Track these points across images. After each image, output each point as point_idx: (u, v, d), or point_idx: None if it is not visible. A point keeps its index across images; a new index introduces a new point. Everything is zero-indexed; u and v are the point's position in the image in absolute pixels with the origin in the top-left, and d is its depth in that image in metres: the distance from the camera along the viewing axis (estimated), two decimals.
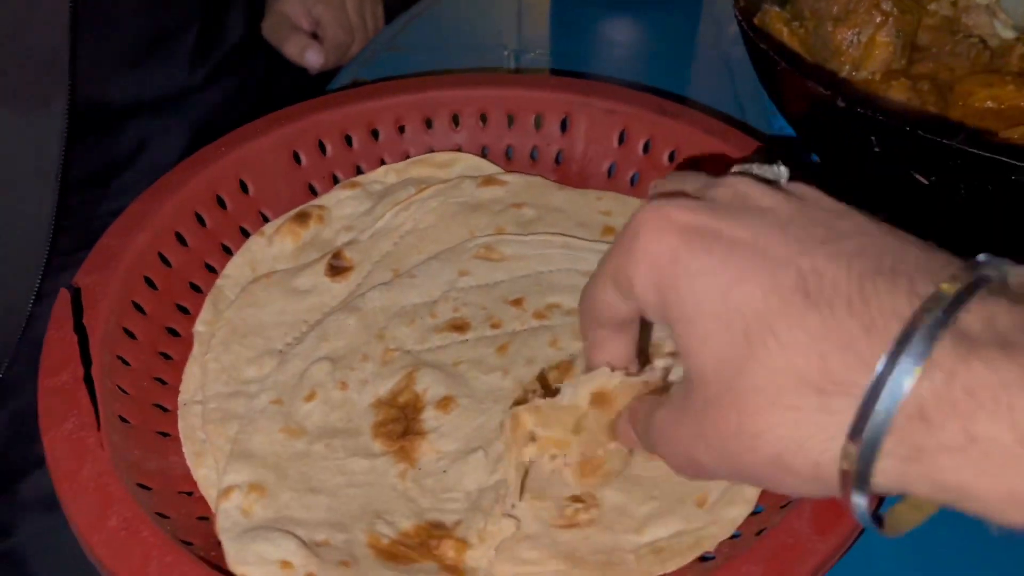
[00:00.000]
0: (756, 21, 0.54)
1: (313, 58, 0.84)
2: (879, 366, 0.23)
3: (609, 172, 0.53)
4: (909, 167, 0.38)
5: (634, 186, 0.53)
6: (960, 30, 0.57)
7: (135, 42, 0.68)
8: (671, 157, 0.51)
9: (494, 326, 0.44)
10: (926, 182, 0.38)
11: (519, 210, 0.51)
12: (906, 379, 0.22)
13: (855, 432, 0.23)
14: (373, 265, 0.48)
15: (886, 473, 0.24)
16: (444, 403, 0.40)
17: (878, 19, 0.54)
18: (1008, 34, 0.59)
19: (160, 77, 0.72)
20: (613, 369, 0.33)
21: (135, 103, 0.69)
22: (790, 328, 0.24)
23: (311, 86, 0.72)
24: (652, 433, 0.31)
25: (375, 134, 0.54)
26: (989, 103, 0.51)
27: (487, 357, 0.43)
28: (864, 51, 0.55)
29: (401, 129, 0.54)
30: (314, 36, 0.86)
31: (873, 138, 0.39)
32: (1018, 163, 0.33)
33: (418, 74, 0.58)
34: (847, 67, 0.56)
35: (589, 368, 0.34)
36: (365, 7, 0.89)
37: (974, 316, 0.23)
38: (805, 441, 0.25)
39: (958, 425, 0.22)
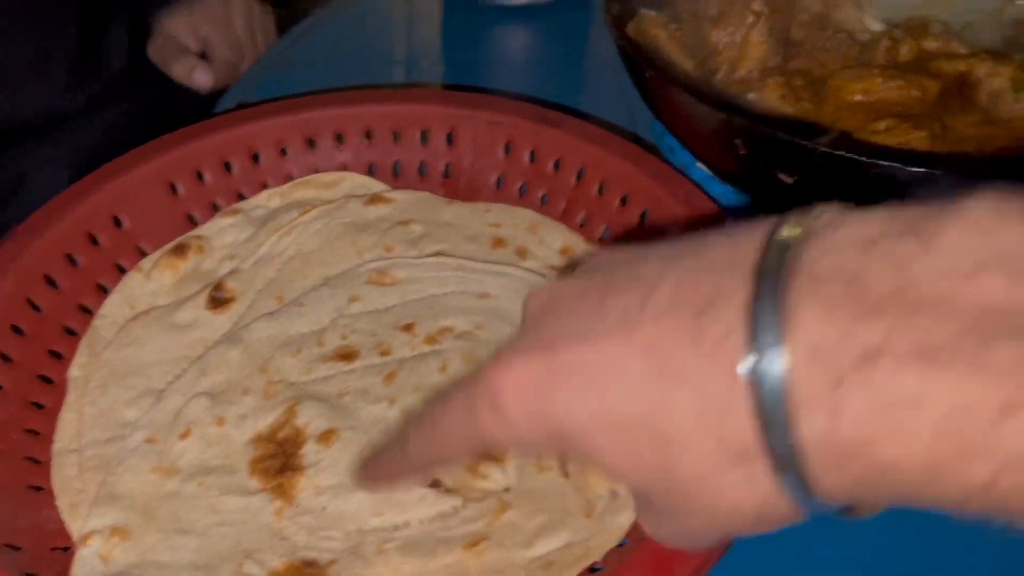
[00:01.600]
0: (632, 27, 0.54)
1: (201, 78, 0.82)
2: (747, 391, 0.23)
3: (498, 183, 0.53)
4: (775, 168, 0.39)
5: (523, 196, 0.53)
6: (830, 26, 0.58)
7: (4, 63, 0.65)
8: (556, 166, 0.52)
9: (383, 353, 0.44)
10: (790, 182, 0.39)
11: (407, 227, 0.51)
12: (774, 380, 0.22)
13: (772, 460, 0.23)
14: (256, 294, 0.47)
15: (820, 477, 0.23)
16: (326, 436, 0.39)
17: (750, 19, 0.56)
18: (877, 27, 0.60)
19: (36, 100, 0.69)
20: None
21: (10, 127, 0.66)
22: (681, 412, 0.24)
23: (204, 109, 0.71)
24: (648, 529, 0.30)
25: (256, 158, 0.52)
26: (859, 96, 0.53)
27: (374, 386, 0.42)
28: (740, 50, 0.57)
29: (283, 151, 0.53)
30: (203, 56, 0.84)
31: (738, 141, 0.40)
32: (871, 160, 0.34)
33: (307, 92, 0.57)
34: (725, 67, 0.57)
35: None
36: (254, 23, 0.87)
37: (799, 285, 0.22)
38: (744, 498, 0.24)
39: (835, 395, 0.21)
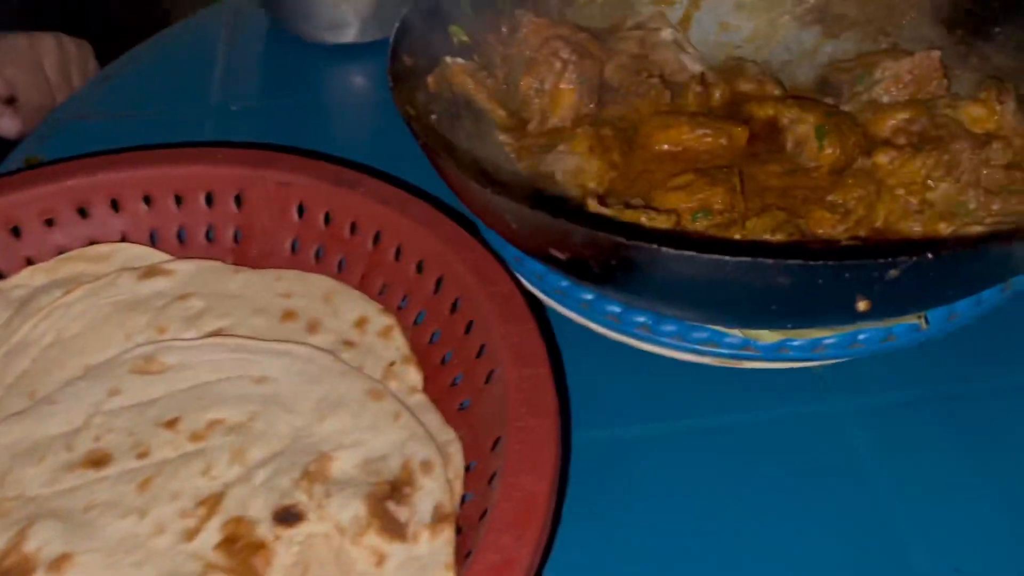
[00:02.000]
0: (435, 77, 0.51)
1: (7, 125, 0.76)
2: None
3: (292, 248, 0.50)
4: (545, 245, 0.37)
5: (319, 261, 0.49)
6: (645, 69, 0.57)
7: None
8: (352, 228, 0.48)
9: (141, 456, 0.39)
10: (563, 258, 0.37)
11: (185, 303, 0.46)
12: None
13: None
14: (5, 390, 0.42)
15: None
16: (59, 563, 0.35)
17: (557, 66, 0.53)
18: (697, 68, 0.59)
19: None
20: None
21: None
22: None
23: None
24: None
25: (16, 231, 0.47)
26: (666, 146, 0.52)
27: (125, 497, 0.38)
28: (550, 99, 0.54)
29: (49, 222, 0.48)
30: (11, 100, 0.78)
31: (506, 217, 0.37)
32: (623, 240, 0.32)
33: (105, 148, 0.52)
34: (537, 116, 0.55)
35: None
36: (70, 64, 0.81)
37: None
38: None
39: None
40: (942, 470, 0.43)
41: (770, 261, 0.30)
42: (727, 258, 0.31)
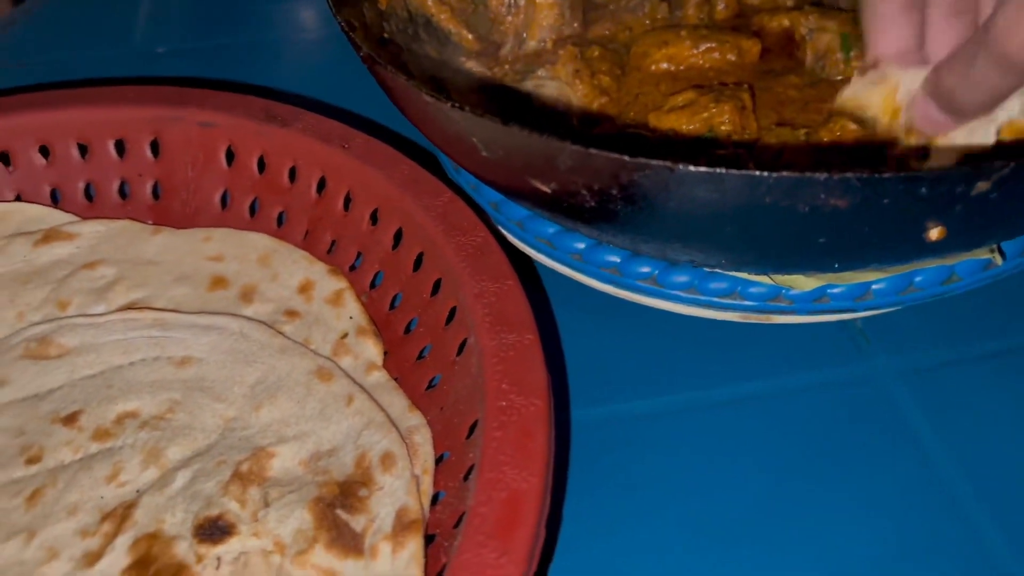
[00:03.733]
0: None
1: None
2: None
3: (223, 202, 0.41)
4: (526, 175, 0.29)
5: (255, 216, 0.41)
6: None
7: None
8: (292, 175, 0.40)
9: (31, 461, 0.32)
10: (548, 191, 0.29)
11: (93, 271, 0.38)
12: None
13: None
14: None
15: None
16: None
17: None
18: None
19: None
20: None
21: None
22: None
23: None
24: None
25: None
26: (665, 65, 0.43)
27: (10, 514, 0.30)
28: (526, 17, 0.46)
29: None
30: None
31: (473, 139, 0.29)
32: (627, 158, 0.24)
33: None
34: (511, 38, 0.47)
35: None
36: None
37: None
38: None
39: None
40: (1007, 436, 0.36)
41: (823, 176, 0.23)
42: (767, 175, 0.23)
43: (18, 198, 0.41)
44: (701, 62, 0.43)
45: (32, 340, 0.35)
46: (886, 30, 0.32)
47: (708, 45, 0.43)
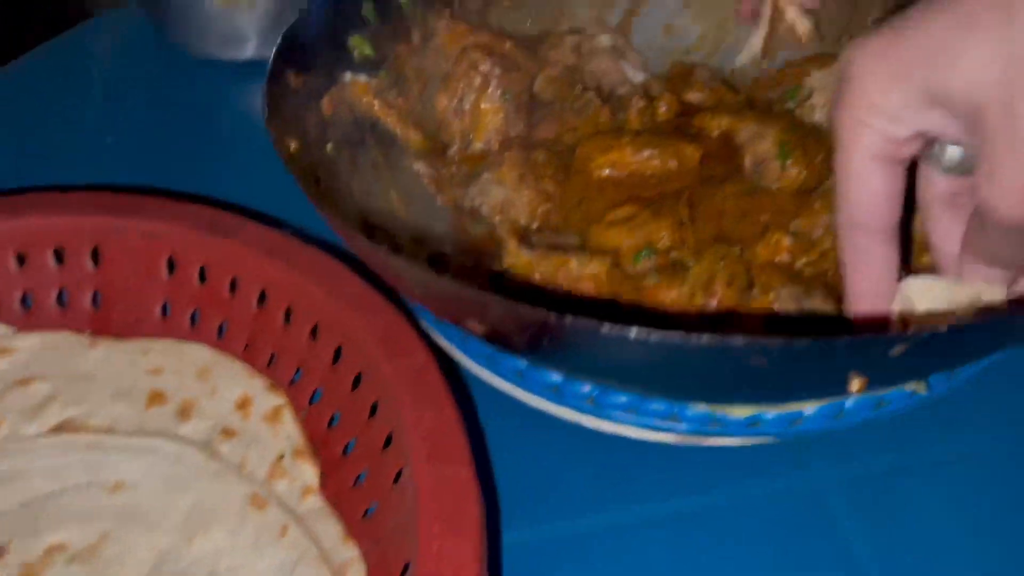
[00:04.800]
0: (331, 98, 0.43)
1: None
2: None
3: (163, 312, 0.41)
4: (458, 316, 0.29)
5: (195, 327, 0.41)
6: (581, 81, 0.49)
7: None
8: (233, 286, 0.40)
9: None
10: (481, 332, 0.29)
11: (27, 388, 0.38)
12: None
13: None
14: None
15: None
16: None
17: (478, 81, 0.46)
18: (639, 78, 0.52)
19: None
20: None
21: None
22: None
23: None
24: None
25: None
26: (607, 171, 0.44)
27: None
28: (471, 120, 0.47)
29: None
30: None
31: (407, 281, 0.29)
32: (550, 317, 0.24)
33: None
34: (458, 139, 0.47)
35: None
36: None
37: None
38: None
39: None
40: (939, 545, 0.36)
41: (740, 342, 0.23)
42: (681, 339, 0.23)
43: None
44: (642, 168, 0.44)
45: None
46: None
47: (648, 152, 0.44)
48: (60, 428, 0.37)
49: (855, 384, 0.26)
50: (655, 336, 0.24)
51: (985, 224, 0.28)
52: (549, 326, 0.25)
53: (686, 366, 0.26)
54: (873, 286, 0.31)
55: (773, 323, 0.32)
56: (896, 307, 0.30)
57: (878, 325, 0.27)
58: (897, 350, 0.24)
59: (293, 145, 0.37)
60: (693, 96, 0.50)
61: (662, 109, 0.48)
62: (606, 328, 0.24)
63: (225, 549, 0.32)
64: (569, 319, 0.25)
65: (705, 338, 0.23)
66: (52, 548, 0.32)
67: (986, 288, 0.29)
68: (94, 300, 0.41)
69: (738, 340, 0.23)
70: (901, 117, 0.29)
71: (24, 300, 0.41)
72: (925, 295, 0.30)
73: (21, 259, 0.41)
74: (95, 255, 0.41)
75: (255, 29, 0.63)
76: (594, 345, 0.26)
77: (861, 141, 0.29)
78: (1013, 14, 0.26)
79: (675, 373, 0.26)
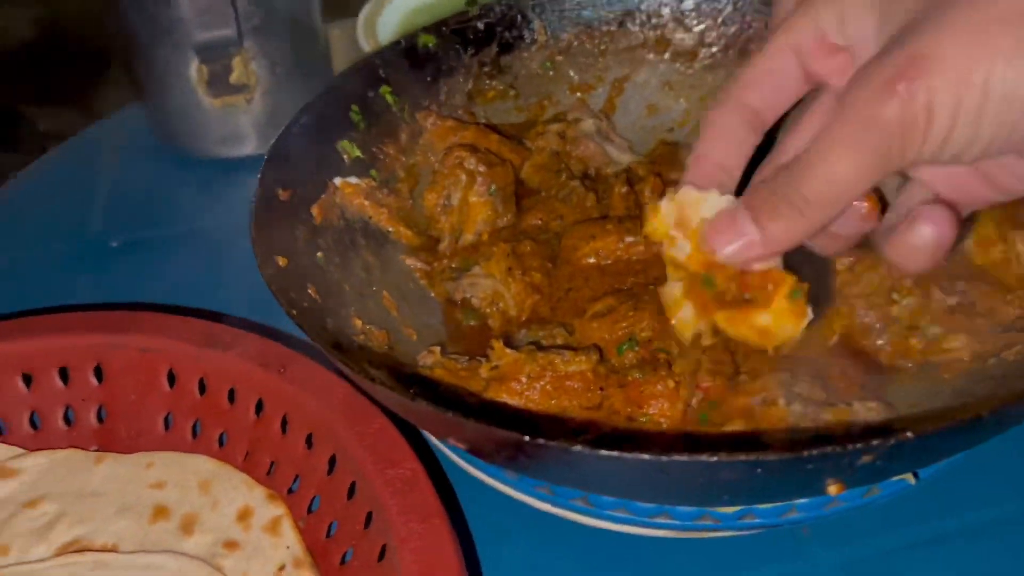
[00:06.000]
0: (320, 206, 0.44)
1: None
2: None
3: (167, 423, 0.42)
4: (443, 434, 0.30)
5: (197, 438, 0.41)
6: (567, 167, 0.50)
7: None
8: (231, 396, 0.41)
9: None
10: (464, 446, 0.29)
11: (35, 509, 0.39)
12: None
13: None
14: None
15: None
16: None
17: (464, 179, 0.47)
18: (625, 158, 0.53)
19: None
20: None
21: None
22: None
23: None
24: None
25: None
26: (592, 259, 0.45)
27: None
28: (460, 215, 0.48)
29: None
30: None
31: (390, 404, 0.30)
32: (524, 438, 0.25)
33: None
34: (448, 235, 0.48)
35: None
36: None
37: None
38: None
39: None
40: None
41: (711, 459, 0.24)
42: (654, 459, 0.24)
43: None
44: (627, 255, 0.45)
45: None
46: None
47: (632, 239, 0.45)
48: (67, 548, 0.38)
49: (832, 488, 0.26)
50: (626, 456, 0.24)
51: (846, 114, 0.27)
52: (524, 446, 0.26)
53: (662, 480, 0.26)
54: (716, 159, 0.32)
55: (747, 440, 0.32)
56: (665, 208, 0.32)
57: (843, 436, 0.27)
58: (864, 460, 0.24)
59: (281, 261, 0.38)
60: (678, 176, 0.51)
61: (646, 192, 0.49)
62: (577, 448, 0.25)
63: None
64: (541, 441, 0.25)
65: (673, 457, 0.24)
66: None
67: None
68: (99, 415, 0.43)
69: (709, 457, 0.24)
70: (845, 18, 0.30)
71: (32, 420, 0.42)
72: (698, 204, 0.32)
73: (28, 380, 0.42)
74: (98, 372, 0.42)
75: (253, 126, 0.65)
76: (568, 462, 0.26)
77: (791, 28, 0.31)
78: None
79: (654, 485, 0.27)
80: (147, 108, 0.66)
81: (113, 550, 0.37)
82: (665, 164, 0.52)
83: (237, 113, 0.64)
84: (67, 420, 0.43)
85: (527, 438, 0.25)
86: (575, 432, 0.26)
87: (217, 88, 0.61)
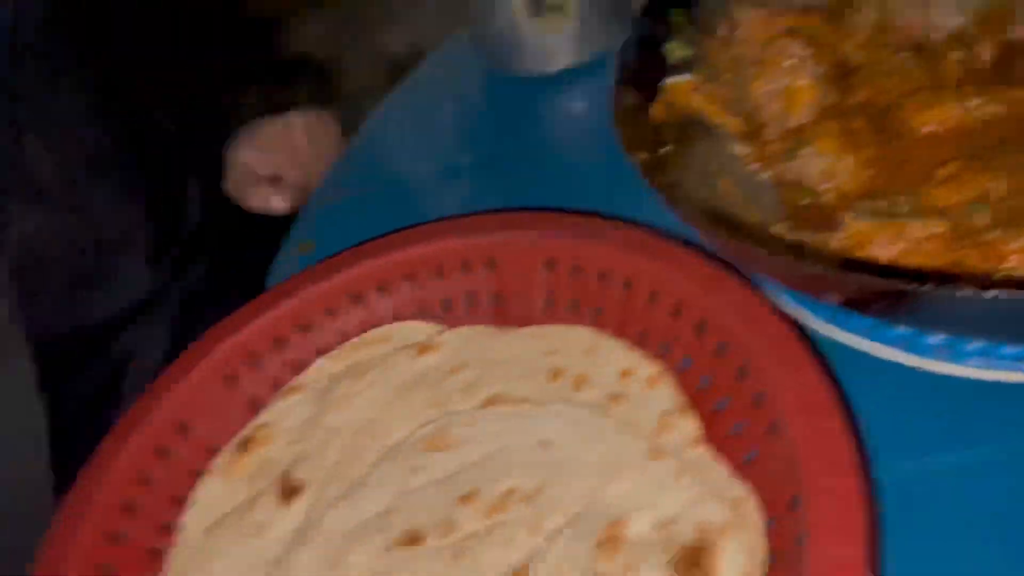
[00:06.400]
0: (658, 106, 0.49)
1: (278, 205, 0.85)
2: None
3: (547, 303, 0.51)
4: (816, 292, 0.34)
5: (576, 314, 0.50)
6: (891, 41, 0.51)
7: (78, 269, 0.69)
8: (601, 277, 0.48)
9: (447, 531, 0.42)
10: (838, 302, 0.34)
11: (458, 375, 0.49)
12: None
13: None
14: (324, 479, 0.47)
15: None
16: None
17: (789, 64, 0.50)
18: (954, 21, 0.52)
19: (127, 281, 0.73)
20: None
21: (105, 319, 0.70)
22: None
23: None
24: None
25: (305, 327, 0.52)
26: (931, 127, 0.46)
27: (440, 573, 0.41)
28: (786, 100, 0.51)
29: (330, 312, 0.53)
30: (275, 178, 0.87)
31: (766, 268, 0.35)
32: (905, 286, 0.28)
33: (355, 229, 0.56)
34: (774, 119, 0.51)
35: None
36: (318, 138, 0.89)
37: None
38: None
39: None
40: None
41: None
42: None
43: (395, 318, 0.53)
44: (968, 121, 0.45)
45: (430, 435, 0.46)
46: None
47: (975, 101, 0.45)
48: (489, 402, 0.47)
49: None
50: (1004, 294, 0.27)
51: None
52: (906, 294, 0.30)
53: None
54: None
55: None
56: None
57: None
58: None
59: (642, 155, 0.44)
60: (1017, 34, 0.49)
61: (983, 55, 0.48)
62: (962, 291, 0.28)
63: (634, 490, 0.40)
64: (927, 287, 0.29)
65: None
66: (507, 492, 0.43)
67: None
68: (495, 299, 0.52)
69: None
70: None
71: (444, 303, 0.53)
72: None
73: (440, 273, 0.53)
74: (491, 263, 0.52)
75: (564, 43, 0.71)
76: (947, 307, 0.30)
77: None
78: None
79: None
80: (473, 34, 0.75)
81: (524, 402, 0.47)
82: (999, 23, 0.51)
83: (553, 31, 0.70)
84: (470, 303, 0.53)
85: (914, 285, 0.29)
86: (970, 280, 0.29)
87: (536, 9, 0.68)
